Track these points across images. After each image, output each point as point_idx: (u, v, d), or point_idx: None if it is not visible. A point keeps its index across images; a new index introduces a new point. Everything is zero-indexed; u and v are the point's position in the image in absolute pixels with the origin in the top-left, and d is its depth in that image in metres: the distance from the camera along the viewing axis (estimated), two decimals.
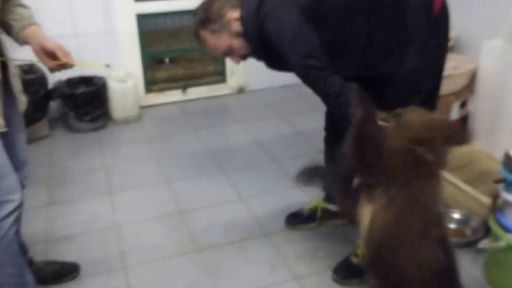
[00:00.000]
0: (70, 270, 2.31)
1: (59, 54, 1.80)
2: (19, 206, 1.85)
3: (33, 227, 2.60)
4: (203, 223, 2.69)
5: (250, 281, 2.26)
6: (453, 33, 3.03)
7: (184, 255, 2.44)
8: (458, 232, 2.52)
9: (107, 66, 2.00)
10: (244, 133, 3.73)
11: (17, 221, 1.86)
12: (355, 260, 2.20)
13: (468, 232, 2.50)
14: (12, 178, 1.81)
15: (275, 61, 2.04)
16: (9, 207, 1.80)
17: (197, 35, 2.07)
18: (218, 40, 2.03)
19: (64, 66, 1.83)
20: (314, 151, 3.11)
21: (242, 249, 2.48)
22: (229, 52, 2.07)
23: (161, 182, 3.12)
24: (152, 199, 2.93)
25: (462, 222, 2.55)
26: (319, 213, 2.57)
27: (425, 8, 1.90)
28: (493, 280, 2.19)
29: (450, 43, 3.07)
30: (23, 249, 2.12)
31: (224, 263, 2.38)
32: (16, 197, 1.83)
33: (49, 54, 1.81)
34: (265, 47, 1.96)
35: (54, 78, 3.88)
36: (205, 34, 2.04)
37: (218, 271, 2.33)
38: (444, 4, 1.96)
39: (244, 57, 2.11)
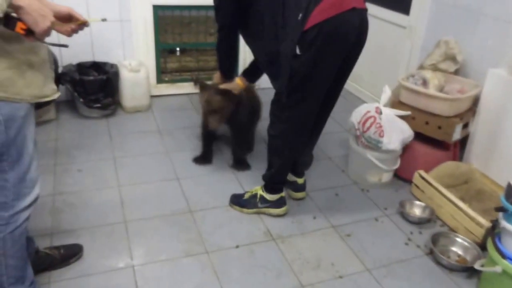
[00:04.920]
0: (75, 252, 2.36)
1: (76, 13, 1.76)
2: (36, 200, 1.86)
3: (37, 218, 2.58)
4: (212, 225, 2.73)
5: (257, 287, 2.32)
6: (459, 57, 3.08)
7: (192, 257, 2.47)
8: (461, 259, 2.59)
9: (104, 20, 1.96)
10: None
11: (30, 215, 1.88)
12: (245, 194, 2.89)
13: (468, 258, 2.58)
14: (36, 171, 1.82)
15: None
16: (29, 200, 1.81)
17: None
18: None
19: (81, 26, 1.77)
20: (319, 154, 3.14)
21: (251, 253, 2.53)
22: None
23: (170, 178, 3.14)
24: (161, 197, 2.94)
25: (464, 248, 2.63)
26: (258, 199, 2.82)
27: (297, 22, 2.20)
28: None
29: (456, 67, 3.13)
30: (26, 240, 2.08)
31: (232, 267, 2.42)
32: (36, 191, 1.84)
33: (62, 20, 1.74)
34: None
35: (64, 62, 3.88)
36: None
37: (225, 274, 2.37)
38: (321, 27, 2.17)
39: None
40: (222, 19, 2.67)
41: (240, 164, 3.31)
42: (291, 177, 2.96)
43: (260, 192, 2.81)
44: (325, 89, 2.46)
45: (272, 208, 2.81)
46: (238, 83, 2.95)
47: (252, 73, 2.97)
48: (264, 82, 2.68)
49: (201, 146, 3.37)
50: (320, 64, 2.29)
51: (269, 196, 2.79)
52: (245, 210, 2.83)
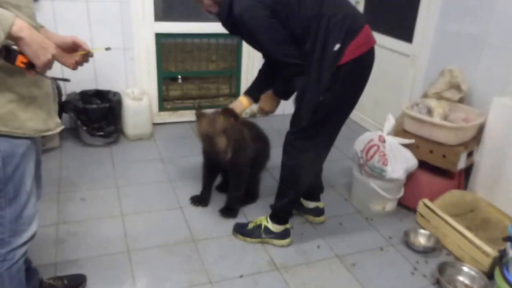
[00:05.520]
0: (78, 282, 2.33)
1: (80, 41, 1.75)
2: (33, 237, 1.82)
3: (41, 248, 2.57)
4: (215, 254, 2.69)
5: None
6: (464, 85, 3.09)
7: (196, 287, 2.44)
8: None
9: (108, 49, 1.96)
10: None
11: (27, 250, 1.84)
12: (249, 224, 2.86)
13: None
14: (34, 208, 1.78)
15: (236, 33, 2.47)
16: (26, 237, 1.77)
17: None
18: None
19: (85, 58, 1.76)
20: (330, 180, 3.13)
21: (255, 283, 2.49)
22: (200, 2, 2.46)
23: (173, 207, 3.12)
24: (164, 226, 2.91)
25: (471, 278, 2.58)
26: (262, 230, 2.80)
27: (332, 53, 2.24)
28: None
29: (461, 95, 3.13)
30: (30, 271, 2.10)
31: None
32: (34, 228, 1.80)
33: (68, 50, 1.74)
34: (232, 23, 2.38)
35: (68, 90, 3.89)
36: None
37: None
38: (355, 62, 2.27)
39: (210, 12, 2.49)
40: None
41: (227, 211, 3.07)
42: (309, 204, 3.03)
43: (265, 223, 2.79)
44: (345, 120, 2.55)
45: (276, 239, 2.78)
46: (241, 101, 2.79)
47: (256, 92, 2.80)
48: None
49: (201, 183, 3.18)
50: (348, 97, 2.44)
51: (274, 227, 2.77)
52: (248, 239, 2.80)
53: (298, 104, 2.45)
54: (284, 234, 2.79)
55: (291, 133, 2.57)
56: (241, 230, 2.84)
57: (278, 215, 2.78)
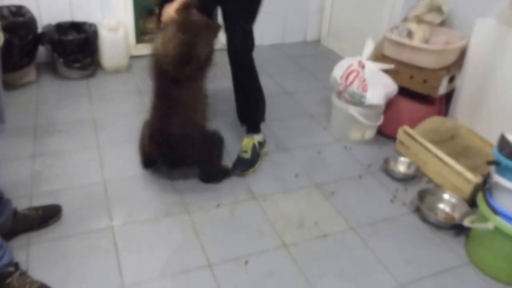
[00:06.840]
0: (54, 212, 2.17)
1: None
2: None
3: (17, 180, 2.41)
4: (192, 183, 2.49)
5: (239, 246, 2.10)
6: (445, 7, 2.80)
7: (173, 216, 2.25)
8: (448, 216, 2.36)
9: None
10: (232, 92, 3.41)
11: None
12: (245, 155, 2.58)
13: (456, 215, 2.34)
14: None
15: None
16: None
17: None
18: None
19: None
20: (300, 111, 2.87)
21: (232, 212, 2.31)
22: None
23: None
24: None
25: (452, 205, 2.39)
26: (257, 147, 2.64)
27: None
28: (477, 259, 2.06)
29: (442, 18, 2.83)
30: (2, 202, 1.94)
31: (213, 227, 2.20)
32: None
33: None
34: None
35: (43, 22, 3.60)
36: None
37: (207, 234, 2.15)
38: None
39: None
40: None
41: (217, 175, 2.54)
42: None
43: (254, 140, 2.62)
44: None
45: (264, 147, 2.71)
46: None
47: None
48: None
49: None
50: None
51: (260, 137, 2.66)
52: (256, 165, 2.61)
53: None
54: (264, 140, 2.72)
55: (243, 51, 2.50)
56: (247, 166, 2.58)
57: (258, 125, 2.66)
